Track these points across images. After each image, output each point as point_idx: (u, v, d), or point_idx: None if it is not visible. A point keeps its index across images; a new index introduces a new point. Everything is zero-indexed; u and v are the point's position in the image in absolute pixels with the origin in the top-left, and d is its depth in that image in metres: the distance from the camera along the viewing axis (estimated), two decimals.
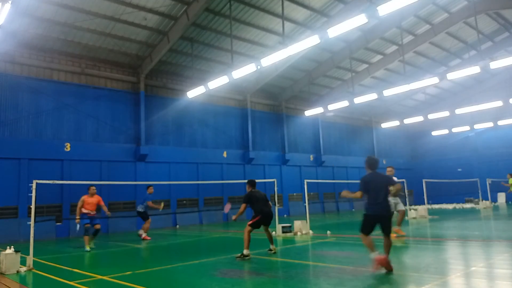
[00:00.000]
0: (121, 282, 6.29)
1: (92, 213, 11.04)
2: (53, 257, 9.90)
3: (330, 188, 28.00)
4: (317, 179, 26.27)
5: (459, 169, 24.63)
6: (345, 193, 6.90)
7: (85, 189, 11.46)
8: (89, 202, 11.03)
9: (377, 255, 6.05)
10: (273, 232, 12.59)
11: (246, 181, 9.20)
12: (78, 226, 11.76)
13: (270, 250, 8.77)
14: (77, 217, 10.99)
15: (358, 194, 6.44)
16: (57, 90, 17.01)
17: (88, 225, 10.85)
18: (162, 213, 17.74)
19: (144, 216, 13.51)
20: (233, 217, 8.52)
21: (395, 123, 30.74)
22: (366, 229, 6.30)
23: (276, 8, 17.23)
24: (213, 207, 21.25)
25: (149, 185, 13.87)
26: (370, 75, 25.68)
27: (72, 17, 15.42)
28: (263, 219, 8.54)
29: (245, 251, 8.16)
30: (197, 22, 17.43)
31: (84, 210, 10.90)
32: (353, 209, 28.85)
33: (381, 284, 5.43)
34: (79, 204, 10.98)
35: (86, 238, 10.77)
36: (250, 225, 8.44)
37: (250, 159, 23.26)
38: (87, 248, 10.63)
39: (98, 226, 11.09)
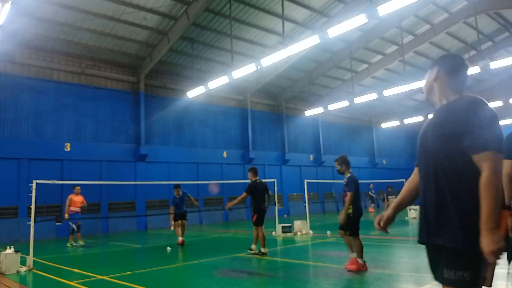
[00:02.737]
0: (121, 282, 6.29)
1: (79, 210, 12.17)
2: (53, 257, 9.89)
3: (330, 188, 27.99)
4: (317, 179, 26.24)
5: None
6: None
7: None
8: (76, 200, 12.04)
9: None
10: (273, 232, 12.60)
11: (247, 181, 9.10)
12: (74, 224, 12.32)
13: (251, 249, 8.50)
14: (66, 214, 11.82)
15: None
16: (57, 90, 17.00)
17: (79, 224, 12.08)
18: (162, 213, 17.77)
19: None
20: (227, 205, 8.48)
21: (395, 123, 30.72)
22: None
23: (276, 8, 17.22)
24: (213, 207, 21.22)
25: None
26: (370, 75, 25.66)
27: (72, 17, 15.42)
28: (261, 216, 8.43)
29: (263, 250, 8.21)
30: (197, 22, 17.43)
31: (72, 209, 11.89)
32: None
33: (381, 284, 5.43)
34: (68, 202, 11.95)
35: (79, 234, 12.02)
36: (255, 224, 8.38)
37: (250, 159, 23.25)
38: (82, 243, 11.87)
39: (79, 223, 12.25)
